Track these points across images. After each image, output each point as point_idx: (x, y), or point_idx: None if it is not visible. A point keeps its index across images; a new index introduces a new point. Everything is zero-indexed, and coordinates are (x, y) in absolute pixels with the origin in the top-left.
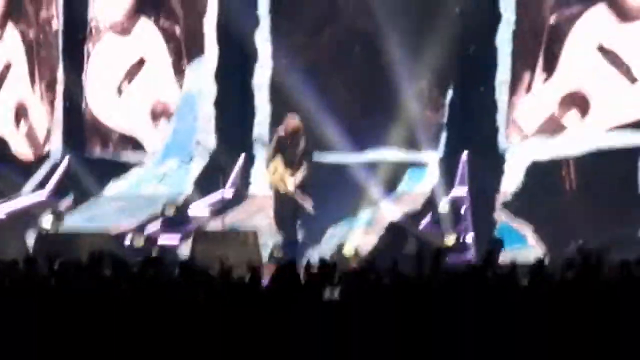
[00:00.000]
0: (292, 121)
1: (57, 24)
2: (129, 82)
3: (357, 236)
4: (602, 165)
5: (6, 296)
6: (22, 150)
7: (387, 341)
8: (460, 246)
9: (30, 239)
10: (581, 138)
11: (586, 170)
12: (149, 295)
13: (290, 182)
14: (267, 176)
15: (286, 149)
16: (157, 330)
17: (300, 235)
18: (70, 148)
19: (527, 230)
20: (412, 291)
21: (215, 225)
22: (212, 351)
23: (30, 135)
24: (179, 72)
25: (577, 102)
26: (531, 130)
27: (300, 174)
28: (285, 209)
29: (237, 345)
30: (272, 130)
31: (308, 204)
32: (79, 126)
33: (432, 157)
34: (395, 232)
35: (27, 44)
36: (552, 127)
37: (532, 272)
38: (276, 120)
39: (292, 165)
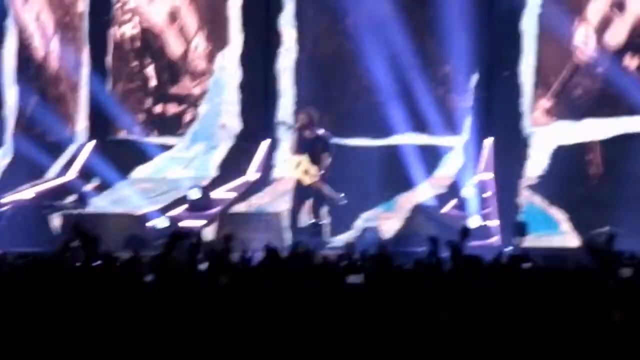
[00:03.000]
0: (307, 114)
1: (83, 5)
2: (153, 65)
3: (382, 220)
4: (628, 149)
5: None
6: None
7: (410, 328)
8: (485, 231)
9: (56, 221)
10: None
11: (612, 154)
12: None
13: (316, 174)
14: (290, 170)
15: (307, 143)
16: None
17: (325, 220)
18: (96, 131)
19: (552, 215)
20: (438, 278)
21: (239, 208)
22: (234, 335)
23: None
24: (207, 56)
25: None
26: None
27: (324, 166)
28: (314, 200)
29: (258, 329)
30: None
31: (336, 195)
32: (104, 109)
33: (457, 142)
34: (419, 216)
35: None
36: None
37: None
38: (300, 104)
39: (315, 157)
